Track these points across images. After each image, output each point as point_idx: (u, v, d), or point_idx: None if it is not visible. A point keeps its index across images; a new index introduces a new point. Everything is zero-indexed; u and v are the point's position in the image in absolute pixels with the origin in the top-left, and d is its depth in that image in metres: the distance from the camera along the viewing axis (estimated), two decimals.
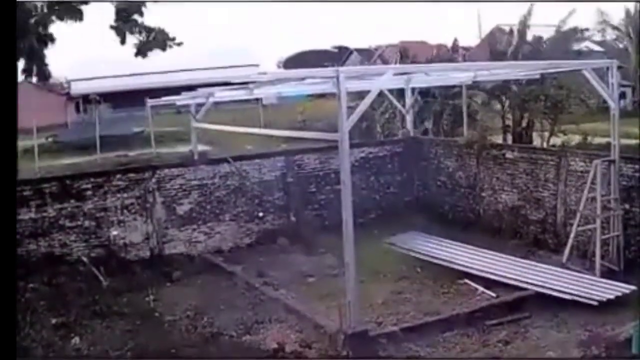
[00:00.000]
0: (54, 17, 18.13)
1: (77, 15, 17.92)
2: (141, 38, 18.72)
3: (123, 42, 18.76)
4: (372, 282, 15.85)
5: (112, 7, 18.86)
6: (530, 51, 26.64)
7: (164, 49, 19.15)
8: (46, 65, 19.42)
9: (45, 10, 18.20)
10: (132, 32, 18.61)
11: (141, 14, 18.83)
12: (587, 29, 32.63)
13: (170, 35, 19.17)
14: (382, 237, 19.04)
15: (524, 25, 28.24)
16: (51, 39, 19.26)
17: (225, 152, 22.48)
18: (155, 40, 18.75)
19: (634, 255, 15.92)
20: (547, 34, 28.76)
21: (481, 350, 12.58)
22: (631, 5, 52.72)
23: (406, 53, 34.50)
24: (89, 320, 14.72)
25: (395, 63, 32.03)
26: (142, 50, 18.95)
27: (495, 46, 30.65)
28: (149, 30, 18.72)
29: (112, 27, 18.60)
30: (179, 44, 19.09)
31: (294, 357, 12.70)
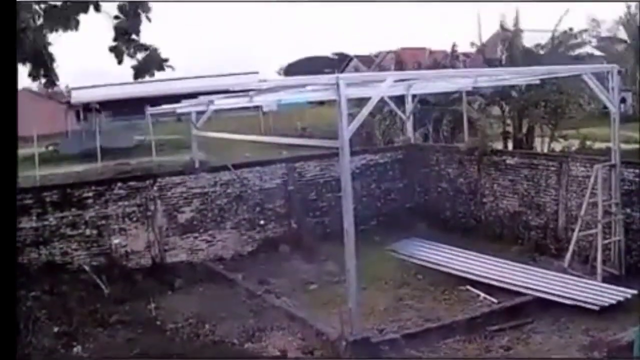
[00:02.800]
0: (48, 28, 18.11)
1: (73, 25, 17.88)
2: (139, 58, 18.80)
3: (120, 62, 18.80)
4: (373, 289, 15.83)
5: (111, 21, 18.88)
6: (526, 56, 26.61)
7: (159, 70, 19.19)
8: (52, 70, 19.39)
9: (40, 22, 18.20)
10: (129, 54, 18.67)
11: (138, 33, 18.86)
12: (586, 30, 32.55)
13: (163, 57, 19.25)
14: (383, 244, 19.03)
15: (512, 30, 28.17)
16: (50, 56, 19.28)
17: (225, 160, 22.47)
18: (151, 61, 18.78)
19: (635, 260, 15.91)
20: (543, 39, 28.73)
21: (483, 356, 12.56)
22: (625, 9, 53.05)
23: (400, 60, 34.59)
24: (91, 328, 14.70)
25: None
26: (139, 73, 19.02)
27: (491, 52, 30.66)
28: (145, 48, 18.73)
29: (111, 48, 18.62)
30: (171, 67, 19.24)
31: None
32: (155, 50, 18.89)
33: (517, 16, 27.90)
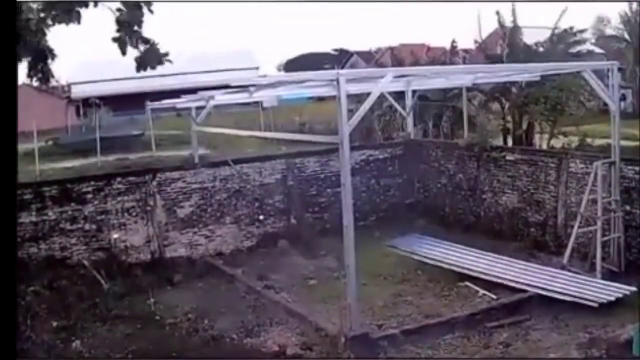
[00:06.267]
0: (49, 21, 18.05)
1: (75, 18, 17.78)
2: (141, 50, 18.68)
3: (124, 53, 18.70)
4: (373, 284, 15.86)
5: (112, 14, 18.75)
6: (526, 53, 26.54)
7: (159, 64, 19.10)
8: (48, 67, 19.30)
9: (42, 15, 18.11)
10: (132, 45, 18.55)
11: (140, 24, 18.73)
12: (585, 29, 32.36)
13: (162, 51, 19.18)
14: (382, 240, 19.03)
15: (512, 26, 28.07)
16: (51, 52, 19.19)
17: (225, 155, 22.47)
18: (152, 54, 18.69)
19: (634, 257, 15.92)
20: (543, 35, 28.65)
21: (482, 353, 12.57)
22: (627, 7, 53.05)
23: (400, 56, 34.56)
24: (90, 323, 14.73)
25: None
26: (142, 65, 18.94)
27: (490, 49, 30.57)
28: (146, 41, 18.66)
29: (114, 39, 18.52)
30: (170, 62, 19.13)
31: None
32: (155, 44, 18.78)
33: (514, 12, 27.81)
